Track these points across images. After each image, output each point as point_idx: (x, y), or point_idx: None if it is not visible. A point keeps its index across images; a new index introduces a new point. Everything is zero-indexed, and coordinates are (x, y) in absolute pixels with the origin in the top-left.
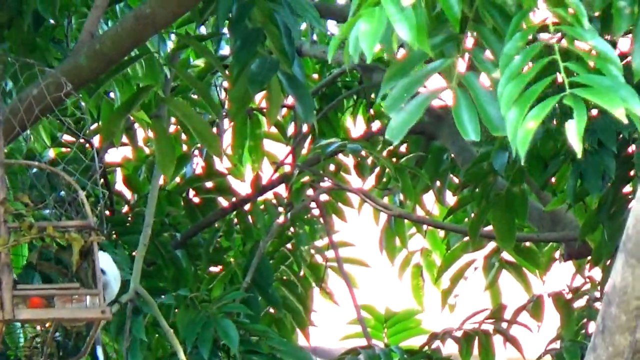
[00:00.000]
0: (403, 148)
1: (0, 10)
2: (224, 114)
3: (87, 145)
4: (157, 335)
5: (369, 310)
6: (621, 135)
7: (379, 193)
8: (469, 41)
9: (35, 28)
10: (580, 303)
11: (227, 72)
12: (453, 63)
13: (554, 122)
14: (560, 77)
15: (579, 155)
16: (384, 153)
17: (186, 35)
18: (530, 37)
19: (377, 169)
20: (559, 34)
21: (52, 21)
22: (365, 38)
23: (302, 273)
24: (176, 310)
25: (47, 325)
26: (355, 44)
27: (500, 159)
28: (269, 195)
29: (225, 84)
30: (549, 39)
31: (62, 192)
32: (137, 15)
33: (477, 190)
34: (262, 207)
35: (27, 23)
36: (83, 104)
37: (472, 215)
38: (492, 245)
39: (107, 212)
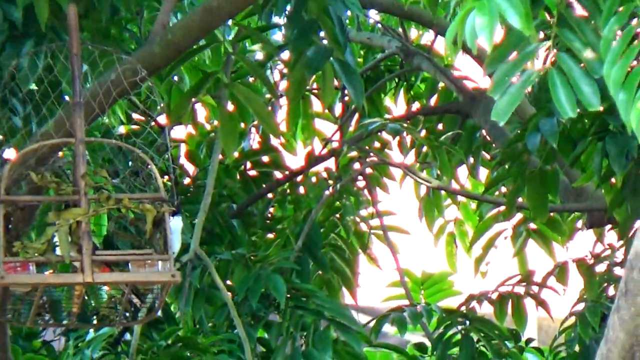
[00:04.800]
0: (440, 126)
1: (78, 2)
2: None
3: (153, 123)
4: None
5: (407, 273)
6: None
7: (419, 167)
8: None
9: (110, 18)
10: (601, 268)
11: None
12: (547, 46)
13: None
14: None
15: None
16: (423, 130)
17: (248, 27)
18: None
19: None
20: None
21: (125, 13)
22: (483, 30)
23: (349, 240)
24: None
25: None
26: (472, 35)
27: (533, 140)
28: (319, 168)
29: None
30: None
31: (131, 164)
32: (206, 8)
33: (512, 167)
34: (313, 179)
35: (104, 14)
36: (155, 88)
37: (507, 189)
38: (519, 215)
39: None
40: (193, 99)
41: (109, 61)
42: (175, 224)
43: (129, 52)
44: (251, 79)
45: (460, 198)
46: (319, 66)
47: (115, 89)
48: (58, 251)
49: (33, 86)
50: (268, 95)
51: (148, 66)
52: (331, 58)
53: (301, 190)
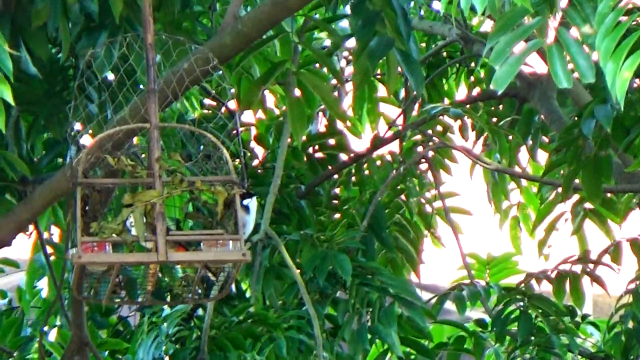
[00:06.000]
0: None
1: None
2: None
3: (224, 109)
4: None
5: (473, 256)
6: None
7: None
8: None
9: (182, 11)
10: None
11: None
12: (547, 21)
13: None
14: None
15: None
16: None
17: (316, 18)
18: None
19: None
20: None
21: (197, 5)
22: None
23: (413, 220)
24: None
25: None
26: (467, 1)
27: (588, 126)
28: (383, 151)
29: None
30: None
31: (202, 148)
32: (274, 1)
33: (568, 152)
34: (378, 162)
35: (176, 7)
36: (226, 75)
37: (564, 172)
38: (576, 196)
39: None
40: (262, 87)
41: (182, 51)
42: (252, 204)
43: (200, 44)
44: (317, 66)
45: (522, 182)
46: (381, 56)
47: (188, 77)
48: (133, 232)
49: (109, 74)
50: (333, 82)
51: (219, 56)
52: (394, 48)
53: (366, 172)
